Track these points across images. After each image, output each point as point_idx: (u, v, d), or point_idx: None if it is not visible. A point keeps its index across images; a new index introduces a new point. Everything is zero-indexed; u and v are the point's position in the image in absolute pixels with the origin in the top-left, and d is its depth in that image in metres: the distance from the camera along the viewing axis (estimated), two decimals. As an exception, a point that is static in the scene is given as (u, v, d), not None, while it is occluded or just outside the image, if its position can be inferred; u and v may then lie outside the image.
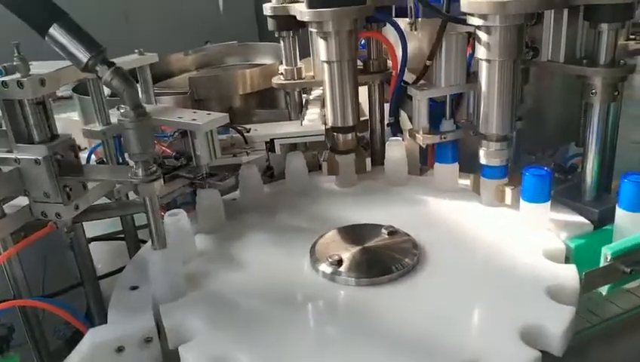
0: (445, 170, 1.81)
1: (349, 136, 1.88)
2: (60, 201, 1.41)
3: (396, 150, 1.86)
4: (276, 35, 2.06)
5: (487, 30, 1.52)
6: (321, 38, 1.75)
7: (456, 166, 1.81)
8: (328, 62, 1.77)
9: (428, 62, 1.83)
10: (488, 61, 1.57)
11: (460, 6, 1.54)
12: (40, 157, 1.37)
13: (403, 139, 1.91)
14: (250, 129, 1.93)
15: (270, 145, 1.92)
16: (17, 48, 1.33)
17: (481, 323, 1.26)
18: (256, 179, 1.80)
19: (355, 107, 1.85)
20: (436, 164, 1.83)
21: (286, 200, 1.84)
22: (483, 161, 1.68)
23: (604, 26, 1.52)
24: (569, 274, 1.34)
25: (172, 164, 1.71)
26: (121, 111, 1.28)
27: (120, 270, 1.56)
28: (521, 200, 1.55)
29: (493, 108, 1.60)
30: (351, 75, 1.80)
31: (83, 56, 1.26)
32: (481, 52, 1.57)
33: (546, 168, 1.52)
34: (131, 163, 1.32)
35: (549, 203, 1.53)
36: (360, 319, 1.30)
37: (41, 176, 1.38)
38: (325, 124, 1.89)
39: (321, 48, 1.77)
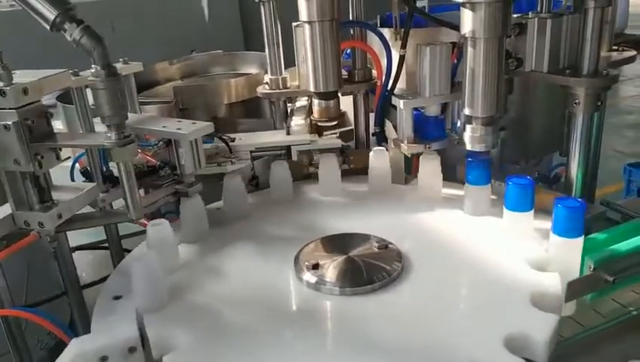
0: (430, 179, 1.80)
1: (331, 103, 1.86)
2: (31, 170, 1.38)
3: (380, 159, 1.86)
4: (256, 0, 2.03)
5: (472, 7, 1.50)
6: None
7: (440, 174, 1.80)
8: (309, 22, 1.72)
9: (402, 52, 1.83)
10: (473, 39, 1.54)
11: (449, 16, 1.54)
12: (9, 123, 1.33)
13: (388, 149, 1.91)
14: (234, 138, 1.93)
15: (287, 151, 1.91)
16: (0, 57, 1.32)
17: (466, 332, 1.26)
18: (241, 188, 1.80)
19: (338, 71, 1.80)
20: (420, 173, 1.82)
21: (270, 210, 1.83)
22: (468, 145, 1.66)
23: (591, 3, 1.51)
24: (552, 282, 1.34)
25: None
26: (91, 71, 1.27)
27: (104, 279, 1.55)
28: (505, 209, 1.55)
29: (478, 88, 1.57)
30: (333, 37, 1.74)
31: (50, 13, 1.23)
32: (466, 30, 1.53)
33: (528, 177, 1.53)
34: (104, 128, 1.30)
35: (532, 212, 1.53)
36: (344, 329, 1.30)
37: (11, 143, 1.34)
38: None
39: (302, 7, 1.72)
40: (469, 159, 1.66)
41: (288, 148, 1.92)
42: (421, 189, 1.82)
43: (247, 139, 1.94)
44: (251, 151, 1.91)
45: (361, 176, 1.95)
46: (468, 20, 1.52)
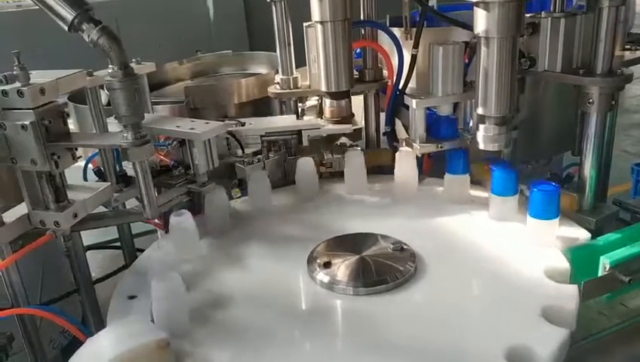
0: (456, 181, 1.77)
1: (343, 102, 1.85)
2: (48, 169, 1.39)
3: (406, 161, 1.81)
4: (268, 1, 2.02)
5: (486, 6, 1.49)
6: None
7: (467, 177, 1.77)
8: (322, 22, 1.73)
9: (414, 51, 1.84)
10: (487, 38, 1.53)
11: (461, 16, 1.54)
12: (27, 123, 1.33)
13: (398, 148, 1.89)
14: (244, 123, 1.92)
15: (298, 137, 1.91)
16: (18, 58, 1.32)
17: (469, 341, 1.22)
18: (265, 184, 1.79)
19: (349, 71, 1.81)
20: (447, 175, 1.78)
21: (294, 206, 1.82)
22: (481, 145, 1.65)
23: (606, 2, 1.50)
24: (568, 295, 1.30)
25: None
26: (109, 71, 1.27)
27: (115, 272, 1.55)
28: (528, 217, 1.51)
29: (492, 87, 1.56)
30: (345, 36, 1.75)
31: (68, 14, 1.24)
32: (479, 29, 1.53)
33: (554, 184, 1.49)
34: (120, 127, 1.31)
35: (557, 219, 1.48)
36: (357, 328, 1.30)
37: (28, 143, 1.34)
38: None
39: (314, 7, 1.73)
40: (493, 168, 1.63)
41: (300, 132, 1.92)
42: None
43: (258, 124, 1.93)
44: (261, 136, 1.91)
45: (386, 176, 1.94)
46: (481, 20, 1.52)
